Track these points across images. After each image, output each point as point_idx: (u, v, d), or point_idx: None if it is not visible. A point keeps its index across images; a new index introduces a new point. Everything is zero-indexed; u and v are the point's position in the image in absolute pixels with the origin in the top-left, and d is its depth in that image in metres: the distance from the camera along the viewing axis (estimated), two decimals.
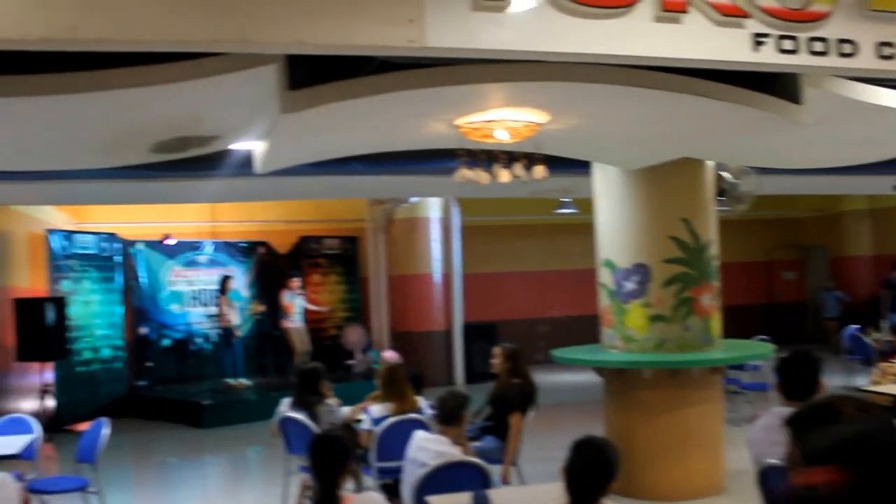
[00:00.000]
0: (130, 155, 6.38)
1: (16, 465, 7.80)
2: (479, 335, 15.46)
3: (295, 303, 14.47)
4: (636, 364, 7.46)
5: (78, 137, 5.71)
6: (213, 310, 14.51)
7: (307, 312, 14.88)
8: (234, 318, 13.78)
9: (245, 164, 8.04)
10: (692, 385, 7.42)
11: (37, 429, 7.60)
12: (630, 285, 7.60)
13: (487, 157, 5.93)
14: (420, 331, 15.79)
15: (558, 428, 9.15)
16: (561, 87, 4.71)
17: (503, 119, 5.18)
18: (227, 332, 13.75)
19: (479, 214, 16.57)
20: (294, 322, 14.43)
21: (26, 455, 7.20)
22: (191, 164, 8.07)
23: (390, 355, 10.52)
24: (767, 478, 4.15)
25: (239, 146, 7.47)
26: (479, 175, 5.56)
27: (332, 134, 5.60)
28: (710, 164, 7.81)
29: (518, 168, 5.55)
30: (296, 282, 14.68)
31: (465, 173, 5.56)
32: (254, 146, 6.97)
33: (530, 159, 5.75)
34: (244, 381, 13.69)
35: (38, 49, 3.68)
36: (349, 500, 3.87)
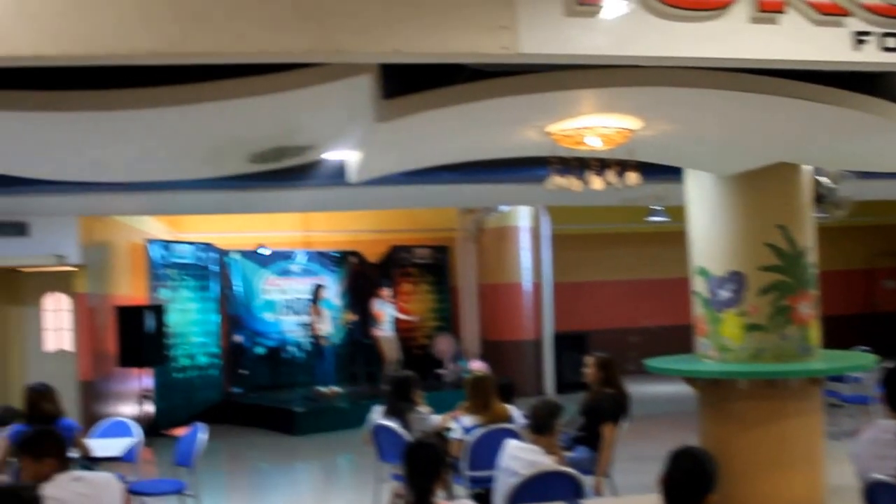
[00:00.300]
0: (229, 165, 6.53)
1: (118, 467, 8.05)
2: (570, 345, 15.36)
3: (385, 311, 14.61)
4: (731, 374, 7.29)
5: (178, 149, 5.88)
6: (306, 318, 14.75)
7: (398, 321, 15.00)
8: (326, 326, 13.97)
9: (338, 175, 8.15)
10: (790, 396, 7.22)
11: (137, 432, 7.82)
12: (725, 293, 7.45)
13: (580, 164, 5.90)
14: (510, 340, 15.76)
15: (652, 439, 9.05)
16: (654, 92, 4.66)
17: (595, 125, 5.14)
18: (318, 341, 13.97)
19: (569, 223, 16.48)
20: (385, 331, 14.56)
21: (127, 458, 7.42)
22: (285, 174, 8.22)
23: (478, 366, 10.53)
24: (874, 493, 4.03)
25: (333, 156, 7.58)
26: (572, 182, 5.51)
27: (424, 142, 5.64)
28: (807, 168, 7.62)
29: (611, 175, 5.50)
30: (386, 291, 14.83)
31: (557, 181, 5.53)
32: (347, 156, 7.07)
33: (623, 166, 5.69)
34: (336, 389, 13.88)
35: (145, 63, 3.81)
36: None
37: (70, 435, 6.76)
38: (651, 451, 8.69)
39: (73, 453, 6.86)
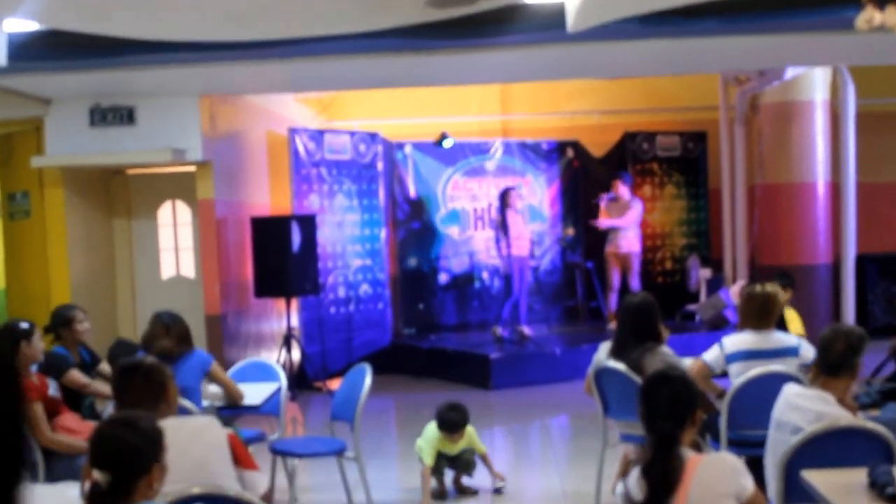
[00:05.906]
0: (400, 12, 6.69)
1: (257, 422, 8.52)
2: (882, 271, 15.00)
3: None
4: None
5: None
6: (503, 234, 14.97)
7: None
8: (528, 244, 14.16)
9: (550, 25, 8.19)
10: None
11: (282, 377, 8.18)
12: None
13: None
14: (793, 264, 15.50)
15: None
16: None
17: None
18: (509, 264, 14.14)
19: (884, 96, 15.83)
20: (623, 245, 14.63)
21: (269, 409, 7.77)
22: (477, 27, 8.34)
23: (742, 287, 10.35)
24: None
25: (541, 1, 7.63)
26: (894, 15, 5.31)
27: None
28: None
29: None
30: (623, 184, 14.85)
31: (873, 15, 5.34)
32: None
33: None
34: (528, 330, 14.11)
35: None
36: (695, 461, 3.95)
37: (203, 369, 7.21)
38: None
39: (208, 399, 7.34)
